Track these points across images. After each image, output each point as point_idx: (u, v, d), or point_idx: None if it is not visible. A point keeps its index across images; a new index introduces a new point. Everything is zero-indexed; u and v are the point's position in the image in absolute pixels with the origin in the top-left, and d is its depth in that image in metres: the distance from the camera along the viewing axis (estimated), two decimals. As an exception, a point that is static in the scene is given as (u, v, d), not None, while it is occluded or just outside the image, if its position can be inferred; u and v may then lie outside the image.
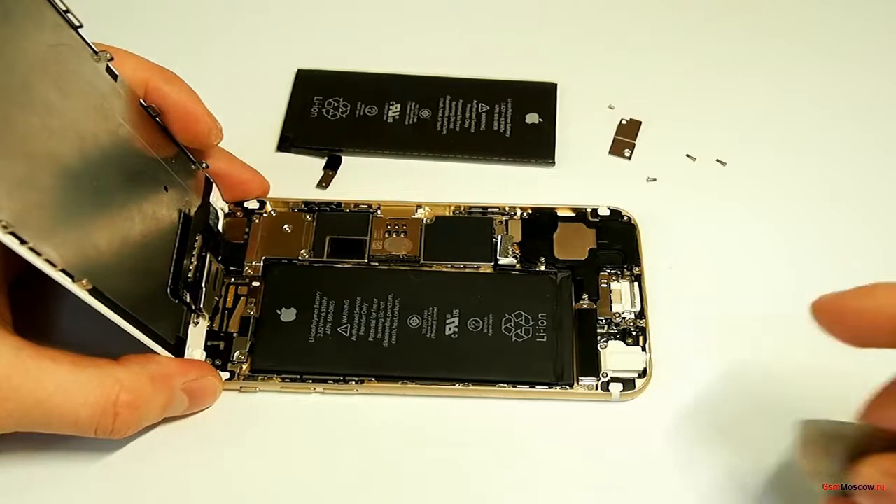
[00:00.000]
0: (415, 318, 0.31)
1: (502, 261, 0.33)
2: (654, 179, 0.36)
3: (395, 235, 0.33)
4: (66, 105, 0.24)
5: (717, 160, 0.36)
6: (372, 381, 0.30)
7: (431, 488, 0.28)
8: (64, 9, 0.25)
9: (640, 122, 0.37)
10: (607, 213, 0.34)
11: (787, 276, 0.33)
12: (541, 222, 0.34)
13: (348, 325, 0.31)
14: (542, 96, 0.38)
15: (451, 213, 0.34)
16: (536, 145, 0.36)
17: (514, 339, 0.31)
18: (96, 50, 0.26)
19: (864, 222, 0.34)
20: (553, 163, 0.36)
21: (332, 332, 0.31)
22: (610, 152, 0.37)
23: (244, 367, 0.30)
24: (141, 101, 0.29)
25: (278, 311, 0.31)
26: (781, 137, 0.37)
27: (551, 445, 0.29)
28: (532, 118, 0.37)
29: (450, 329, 0.31)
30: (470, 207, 0.34)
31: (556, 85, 0.38)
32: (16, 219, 0.21)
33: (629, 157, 0.36)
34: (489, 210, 0.34)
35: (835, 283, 0.33)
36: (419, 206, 0.34)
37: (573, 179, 0.36)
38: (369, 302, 0.31)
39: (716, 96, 0.38)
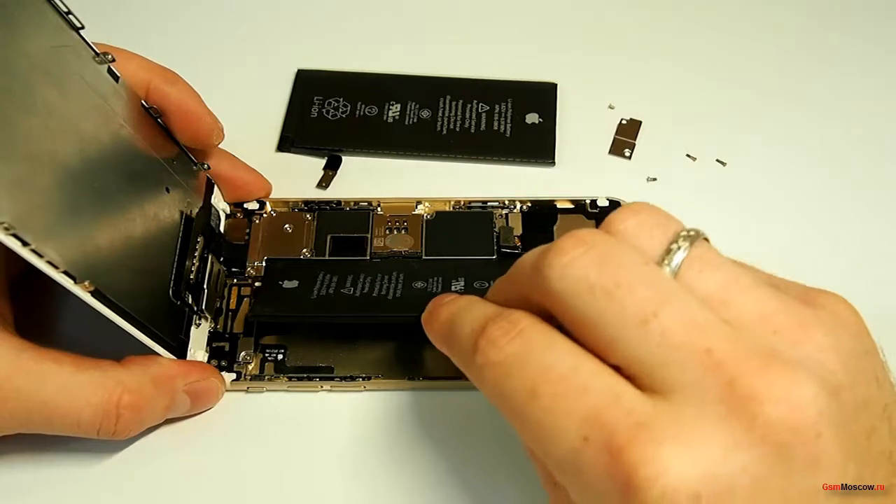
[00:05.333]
0: (419, 283, 0.31)
1: (505, 250, 0.33)
2: (655, 179, 0.36)
3: (396, 232, 0.34)
4: (68, 106, 0.24)
5: (717, 160, 0.36)
6: (380, 377, 0.30)
7: (442, 484, 0.28)
8: (65, 10, 0.25)
9: (640, 122, 0.37)
10: (606, 203, 0.34)
11: (787, 275, 0.33)
12: (541, 215, 0.34)
13: (352, 288, 0.31)
14: (542, 96, 0.38)
15: (451, 209, 0.34)
16: (536, 145, 0.36)
17: None
18: (98, 51, 0.26)
19: (866, 221, 0.34)
20: (553, 163, 0.36)
21: (336, 291, 0.31)
22: (610, 152, 0.37)
23: (250, 367, 0.30)
24: (142, 102, 0.29)
25: (280, 282, 0.31)
26: (781, 137, 0.37)
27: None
28: (532, 118, 0.37)
29: (455, 287, 0.31)
30: (470, 202, 0.34)
31: (556, 85, 0.38)
32: (17, 220, 0.21)
33: (629, 157, 0.36)
34: (489, 204, 0.34)
35: (835, 282, 0.33)
36: (419, 202, 0.34)
37: (573, 179, 0.36)
38: (373, 276, 0.32)
39: (716, 96, 0.38)
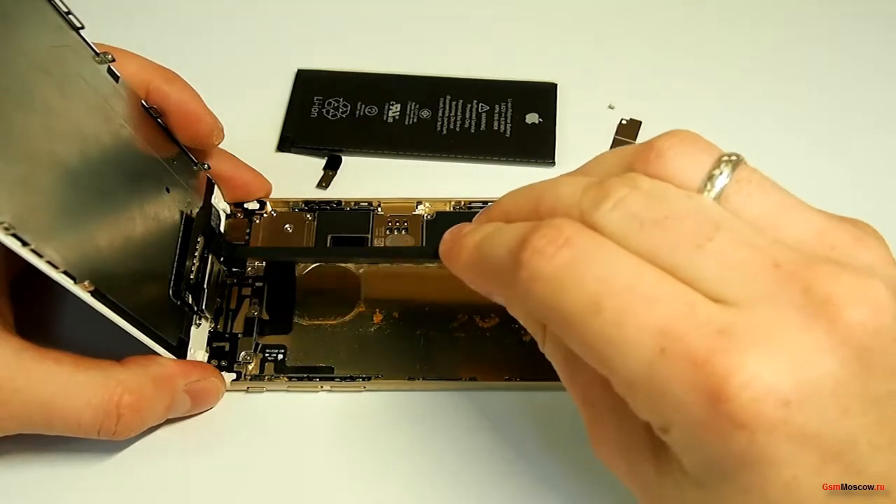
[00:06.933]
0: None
1: None
2: (655, 179, 0.36)
3: (396, 232, 0.34)
4: (68, 106, 0.24)
5: (717, 159, 0.36)
6: (380, 377, 0.30)
7: (441, 484, 0.28)
8: (65, 10, 0.25)
9: (640, 122, 0.37)
10: None
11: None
12: None
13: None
14: (542, 96, 0.38)
15: (451, 209, 0.34)
16: (536, 145, 0.36)
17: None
18: (98, 51, 0.26)
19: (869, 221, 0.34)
20: (553, 163, 0.36)
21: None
22: (610, 152, 0.37)
23: (250, 367, 0.30)
24: (142, 102, 0.29)
25: None
26: (782, 138, 0.37)
27: (559, 436, 0.29)
28: (532, 118, 0.37)
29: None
30: (470, 202, 0.34)
31: (556, 85, 0.38)
32: (17, 220, 0.21)
33: (629, 157, 0.36)
34: (489, 204, 0.34)
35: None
36: (419, 202, 0.34)
37: (573, 179, 0.36)
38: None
39: (716, 96, 0.38)
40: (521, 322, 0.22)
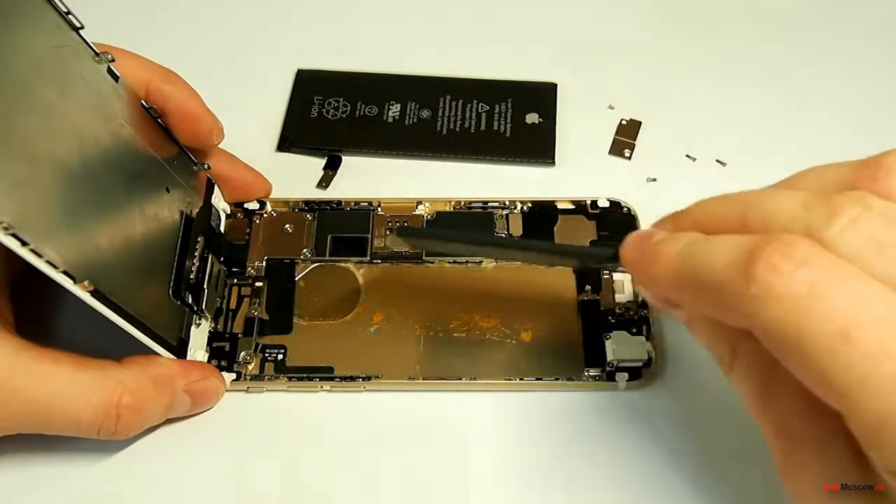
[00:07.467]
0: None
1: None
2: (654, 180, 0.36)
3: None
4: (67, 106, 0.24)
5: (717, 160, 0.36)
6: (379, 378, 0.30)
7: (440, 484, 0.28)
8: (65, 10, 0.25)
9: (640, 122, 0.37)
10: (607, 204, 0.34)
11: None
12: (541, 216, 0.34)
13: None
14: (542, 96, 0.38)
15: (452, 209, 0.34)
16: (536, 145, 0.36)
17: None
18: (97, 51, 0.26)
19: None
20: (553, 163, 0.36)
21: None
22: (610, 152, 0.37)
23: (250, 367, 0.30)
24: (142, 102, 0.29)
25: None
26: (782, 137, 0.37)
27: (558, 436, 0.29)
28: (532, 118, 0.37)
29: None
30: (470, 202, 0.34)
31: (556, 85, 0.38)
32: (17, 220, 0.21)
33: (629, 158, 0.36)
34: (489, 205, 0.34)
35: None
36: (419, 202, 0.34)
37: (573, 180, 0.36)
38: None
39: (716, 96, 0.38)
40: (702, 341, 0.21)
